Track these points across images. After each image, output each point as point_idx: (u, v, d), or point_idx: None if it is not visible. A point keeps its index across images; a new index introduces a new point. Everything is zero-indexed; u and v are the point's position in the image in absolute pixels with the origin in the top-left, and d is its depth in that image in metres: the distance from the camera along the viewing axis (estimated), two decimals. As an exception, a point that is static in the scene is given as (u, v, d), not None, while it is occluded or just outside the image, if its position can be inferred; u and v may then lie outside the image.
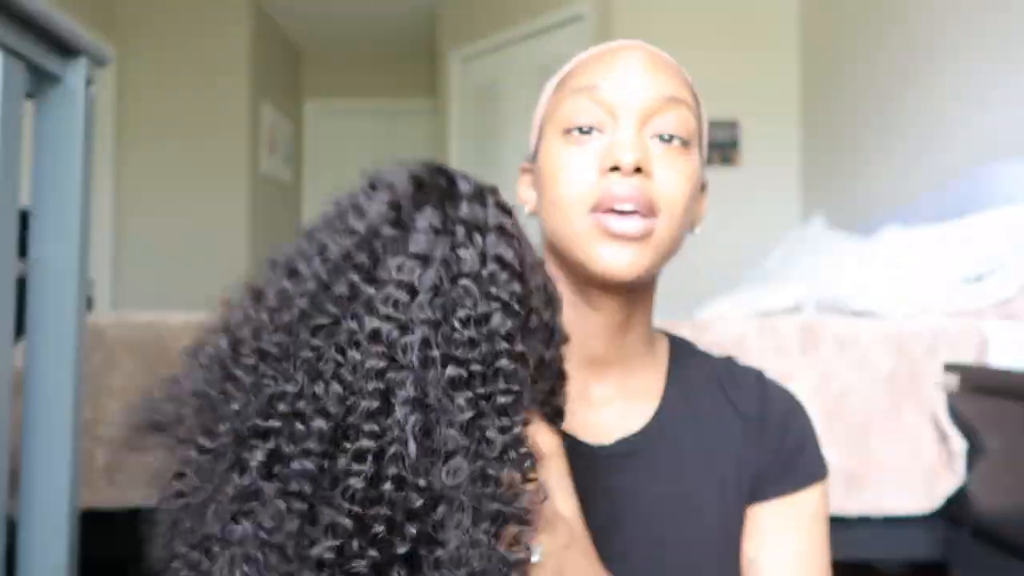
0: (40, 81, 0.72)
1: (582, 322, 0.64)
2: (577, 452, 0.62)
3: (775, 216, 3.32)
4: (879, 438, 1.27)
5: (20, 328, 0.71)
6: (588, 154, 0.60)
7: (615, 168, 0.58)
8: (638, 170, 0.58)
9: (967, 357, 1.30)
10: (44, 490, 0.70)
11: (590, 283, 0.62)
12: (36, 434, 0.71)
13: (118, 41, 4.08)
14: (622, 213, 0.58)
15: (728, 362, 0.74)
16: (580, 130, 0.61)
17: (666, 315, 1.53)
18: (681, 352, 0.73)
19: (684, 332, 1.32)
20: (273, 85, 4.74)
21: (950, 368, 1.26)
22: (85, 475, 1.23)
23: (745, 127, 3.34)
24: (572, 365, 0.62)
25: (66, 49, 0.72)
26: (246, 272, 0.49)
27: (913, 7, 2.43)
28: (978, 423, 1.20)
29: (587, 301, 0.64)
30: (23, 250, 0.70)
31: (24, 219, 0.69)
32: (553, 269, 0.65)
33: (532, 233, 0.58)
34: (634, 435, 0.66)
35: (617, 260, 0.58)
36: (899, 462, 1.26)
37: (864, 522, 1.27)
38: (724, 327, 1.34)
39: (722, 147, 3.33)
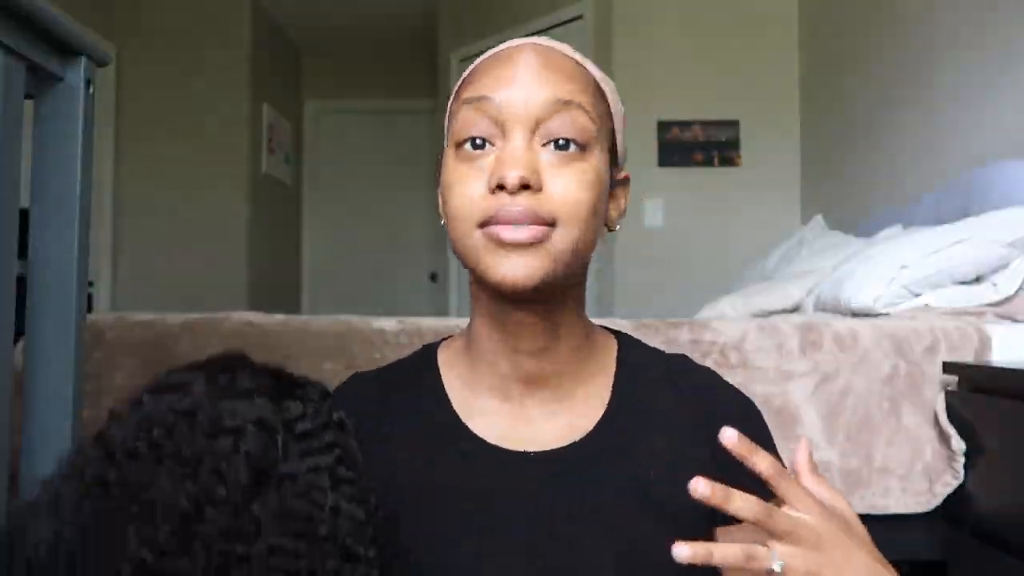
0: (40, 81, 0.72)
1: (507, 341, 0.64)
2: (511, 460, 0.63)
3: (775, 216, 3.32)
4: (879, 438, 1.27)
5: (20, 328, 0.71)
6: (478, 171, 0.59)
7: (502, 186, 0.57)
8: (526, 186, 0.57)
9: (967, 357, 1.30)
10: (44, 490, 0.70)
11: (500, 298, 0.61)
12: (36, 434, 0.71)
13: (118, 41, 4.08)
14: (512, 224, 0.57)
15: (681, 360, 0.72)
16: (472, 144, 0.60)
17: (666, 315, 1.53)
18: (630, 354, 0.71)
19: (684, 332, 1.32)
20: (273, 85, 4.74)
21: (950, 368, 1.26)
22: (85, 475, 1.22)
23: (745, 127, 3.34)
24: (505, 384, 0.65)
25: (66, 49, 0.72)
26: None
27: (912, 7, 2.43)
28: (978, 423, 1.20)
29: (507, 319, 0.63)
30: (23, 250, 0.70)
31: (24, 219, 0.69)
32: (472, 287, 0.65)
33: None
34: (574, 443, 0.64)
35: (512, 270, 0.57)
36: (899, 462, 1.26)
37: (864, 521, 1.27)
38: (724, 327, 1.34)
39: (722, 147, 3.33)
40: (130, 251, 4.13)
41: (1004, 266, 1.52)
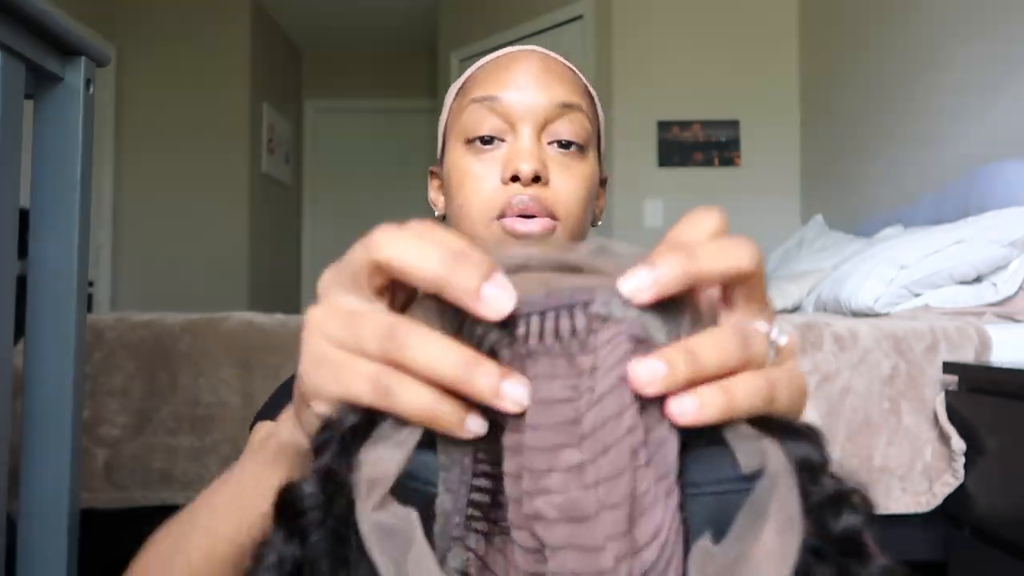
0: (40, 81, 0.72)
1: None
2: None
3: (775, 216, 3.32)
4: (879, 438, 1.27)
5: (20, 328, 0.71)
6: (490, 164, 0.64)
7: (515, 178, 0.62)
8: (536, 179, 0.62)
9: (967, 357, 1.30)
10: (44, 490, 0.70)
11: None
12: (36, 434, 0.71)
13: (118, 41, 4.08)
14: (525, 217, 0.63)
15: None
16: (482, 140, 0.64)
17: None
18: None
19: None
20: (273, 85, 4.74)
21: (950, 368, 1.26)
22: (85, 475, 1.23)
23: (745, 127, 3.34)
24: None
25: (66, 49, 0.72)
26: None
27: (913, 8, 2.43)
28: (978, 423, 1.20)
29: None
30: (23, 250, 0.70)
31: (24, 219, 0.69)
32: None
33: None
34: None
35: None
36: (899, 462, 1.26)
37: (864, 522, 1.27)
38: (724, 327, 1.34)
39: (722, 147, 3.34)
40: (130, 251, 4.13)
41: (1004, 266, 1.52)
